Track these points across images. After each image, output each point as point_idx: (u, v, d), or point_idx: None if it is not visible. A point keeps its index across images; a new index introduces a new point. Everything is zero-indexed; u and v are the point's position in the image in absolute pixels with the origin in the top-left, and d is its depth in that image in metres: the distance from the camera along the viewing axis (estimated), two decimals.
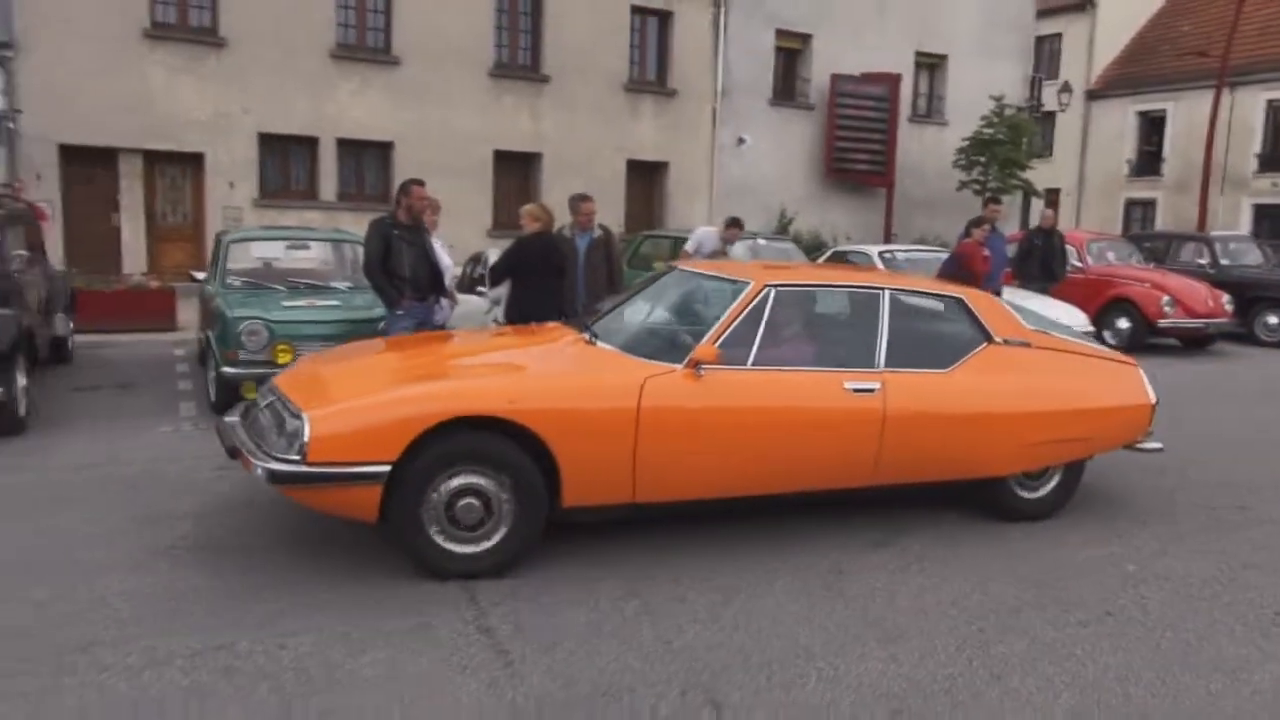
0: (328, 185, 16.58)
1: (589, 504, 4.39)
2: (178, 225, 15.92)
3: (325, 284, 8.38)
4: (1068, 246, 12.70)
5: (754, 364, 4.64)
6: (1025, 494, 5.37)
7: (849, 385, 4.75)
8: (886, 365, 4.87)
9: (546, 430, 4.15)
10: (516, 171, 18.22)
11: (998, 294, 9.38)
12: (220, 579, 4.15)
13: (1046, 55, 31.08)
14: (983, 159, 21.53)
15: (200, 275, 8.91)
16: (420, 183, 6.98)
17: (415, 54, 16.74)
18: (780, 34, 20.54)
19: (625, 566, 4.49)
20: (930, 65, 22.84)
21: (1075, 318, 10.80)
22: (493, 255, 8.20)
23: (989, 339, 5.13)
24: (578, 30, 18.12)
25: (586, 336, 4.97)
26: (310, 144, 16.39)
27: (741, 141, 20.24)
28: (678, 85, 19.46)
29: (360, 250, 7.67)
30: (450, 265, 7.40)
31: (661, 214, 19.79)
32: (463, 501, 4.14)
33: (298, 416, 4.04)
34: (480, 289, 7.75)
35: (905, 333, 5.03)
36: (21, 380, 6.66)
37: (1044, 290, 11.62)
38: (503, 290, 7.24)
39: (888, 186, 21.40)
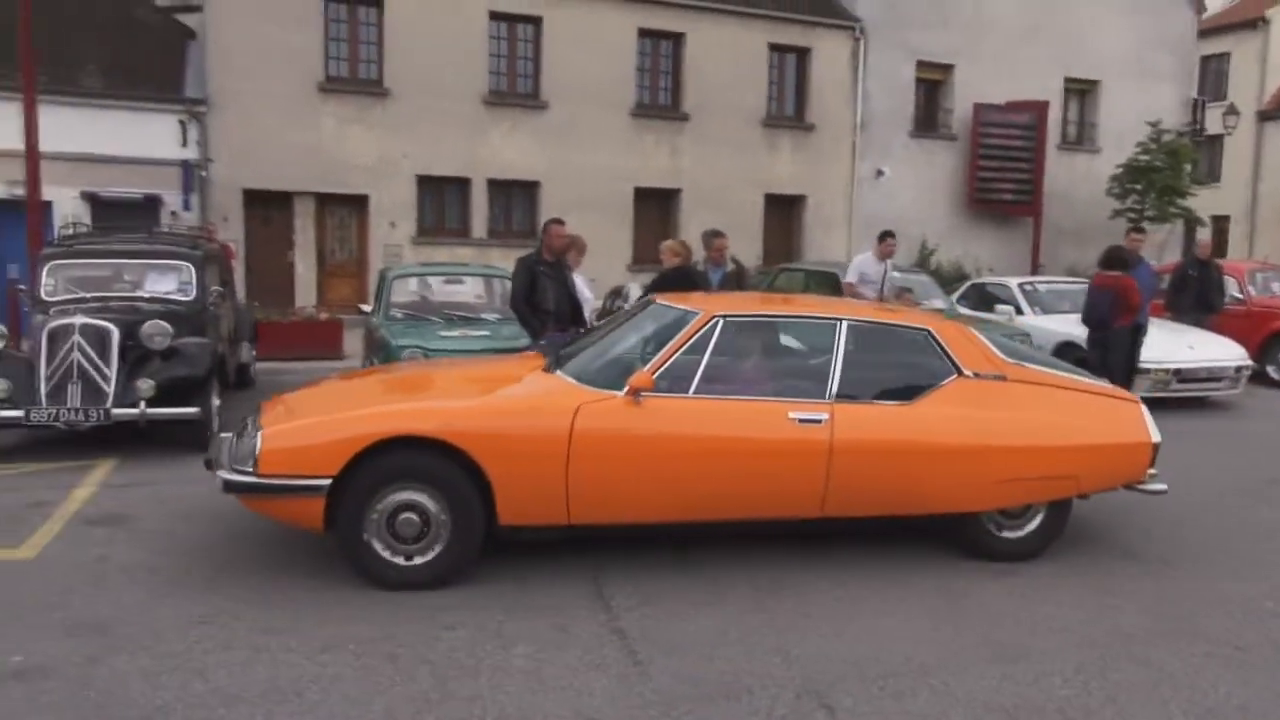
0: (479, 223, 17.55)
1: (525, 523, 4.59)
2: (344, 262, 17.19)
3: (477, 315, 9.01)
4: (1227, 277, 12.16)
5: (696, 392, 4.69)
6: (1003, 533, 5.15)
7: (794, 415, 4.70)
8: (839, 397, 4.80)
9: (479, 451, 4.37)
10: (656, 207, 18.78)
11: (1141, 326, 9.15)
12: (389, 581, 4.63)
13: (1212, 76, 29.63)
14: (1139, 186, 20.73)
15: (365, 308, 9.72)
16: (560, 222, 7.50)
17: (561, 98, 17.58)
18: (921, 65, 20.46)
19: (754, 578, 4.75)
20: (1081, 91, 22.21)
21: (1231, 351, 10.37)
22: (634, 289, 8.63)
23: (958, 372, 5.00)
24: (717, 70, 18.60)
25: (549, 365, 5.17)
26: (463, 185, 17.42)
27: (880, 174, 20.21)
28: (815, 119, 19.64)
29: (508, 284, 8.24)
30: (590, 298, 7.86)
31: (799, 246, 19.94)
32: (403, 516, 4.41)
33: (256, 433, 4.47)
34: None
35: (864, 364, 5.01)
36: (215, 401, 7.47)
37: (1199, 323, 11.17)
38: None
39: (1034, 216, 20.88)
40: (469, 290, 9.86)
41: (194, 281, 8.23)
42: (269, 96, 15.79)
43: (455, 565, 4.49)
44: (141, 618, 4.11)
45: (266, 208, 16.41)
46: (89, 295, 7.92)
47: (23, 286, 8.39)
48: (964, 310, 11.32)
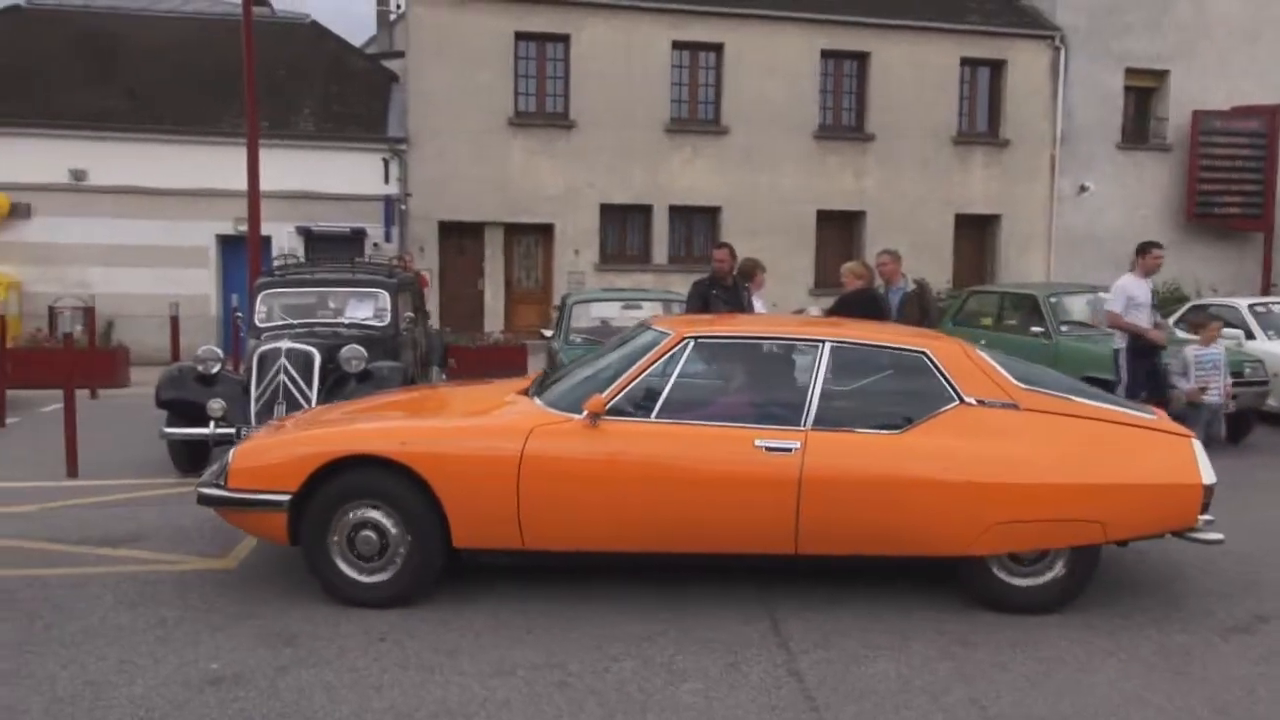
0: (660, 249, 17.69)
1: (479, 546, 4.48)
2: (530, 289, 17.74)
3: None
4: None
5: (659, 416, 4.46)
6: (1014, 580, 4.55)
7: (760, 443, 4.36)
8: (815, 424, 4.42)
9: (431, 472, 4.33)
10: (840, 230, 18.35)
11: None
12: (556, 603, 4.60)
13: None
14: None
15: (548, 333, 9.93)
16: (721, 246, 7.45)
17: (743, 122, 17.52)
18: (1131, 73, 19.09)
19: (941, 622, 4.42)
20: None
21: None
22: (814, 311, 8.38)
23: (958, 398, 4.50)
24: (903, 87, 18.02)
25: (529, 389, 5.03)
26: (645, 211, 17.63)
27: (1084, 189, 18.94)
28: (1011, 134, 18.67)
29: (683, 309, 8.17)
30: None
31: (993, 268, 18.95)
32: (362, 534, 4.42)
33: (232, 449, 4.63)
34: None
35: (850, 389, 4.66)
36: None
37: None
38: None
39: (1265, 230, 18.97)
40: (647, 315, 9.85)
41: (389, 308, 8.64)
42: (462, 133, 16.57)
43: (413, 585, 4.48)
44: (328, 631, 4.24)
45: (460, 238, 17.19)
46: (296, 321, 8.46)
47: (240, 314, 9.07)
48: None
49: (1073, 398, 4.69)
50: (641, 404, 4.51)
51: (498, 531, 4.43)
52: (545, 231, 17.42)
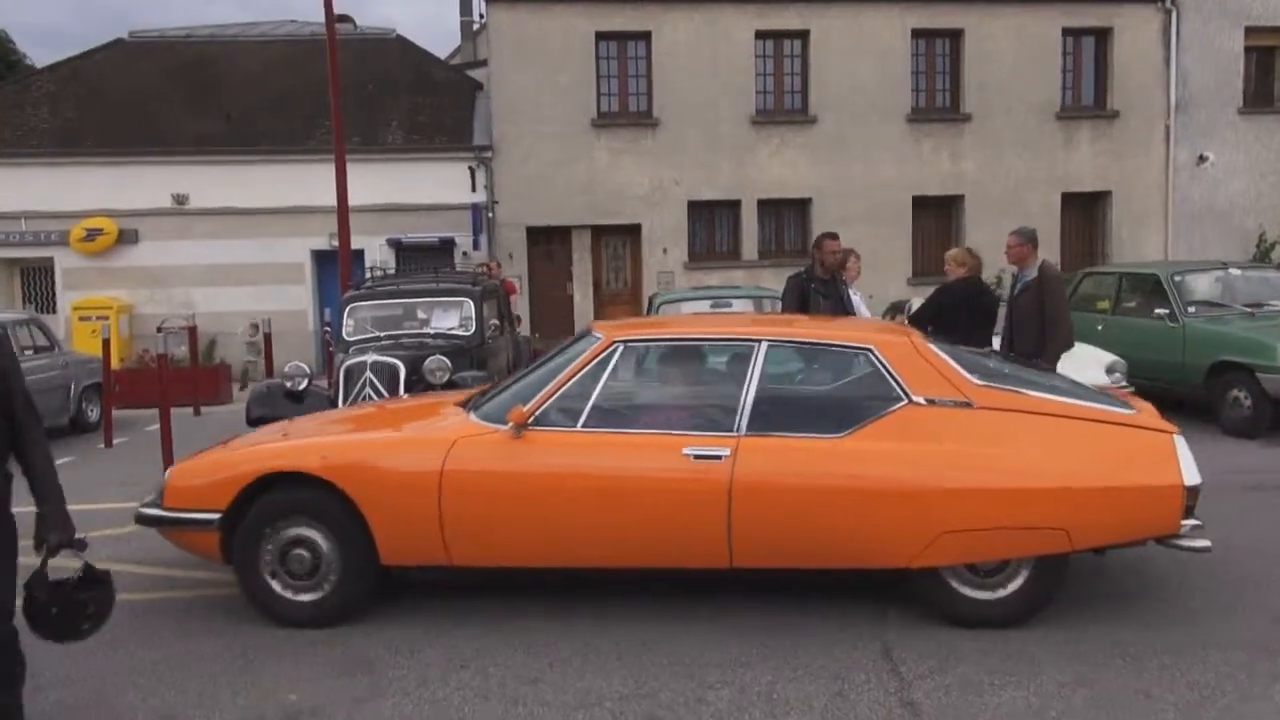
0: (749, 244, 17.28)
1: (405, 562, 4.37)
2: (618, 290, 17.54)
3: None
4: None
5: (585, 426, 4.26)
6: (971, 592, 4.16)
7: (689, 451, 4.10)
8: (749, 429, 4.15)
9: (353, 488, 4.23)
10: (936, 216, 17.61)
11: None
12: (645, 623, 4.33)
13: None
14: None
15: None
16: (833, 236, 6.94)
17: (831, 110, 16.97)
18: (1251, 32, 17.77)
19: (1077, 644, 3.99)
20: None
21: None
22: (915, 303, 7.90)
23: (906, 398, 4.14)
24: (1001, 63, 17.19)
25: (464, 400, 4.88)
26: (733, 207, 17.24)
27: (1203, 160, 17.72)
28: (1120, 106, 17.60)
29: (779, 305, 7.81)
30: (867, 315, 7.24)
31: (1104, 249, 17.90)
32: (294, 552, 4.33)
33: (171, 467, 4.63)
34: None
35: (788, 391, 4.42)
36: None
37: None
38: None
39: None
40: (738, 313, 9.53)
41: (474, 317, 8.53)
42: (546, 137, 16.48)
43: (346, 604, 4.38)
44: (409, 659, 4.06)
45: (548, 242, 17.12)
46: (383, 334, 8.43)
47: (328, 328, 9.08)
48: None
49: (1037, 393, 4.29)
50: (568, 413, 4.32)
51: (423, 547, 4.31)
52: (633, 232, 17.21)
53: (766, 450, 4.13)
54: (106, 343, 10.02)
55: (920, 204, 17.40)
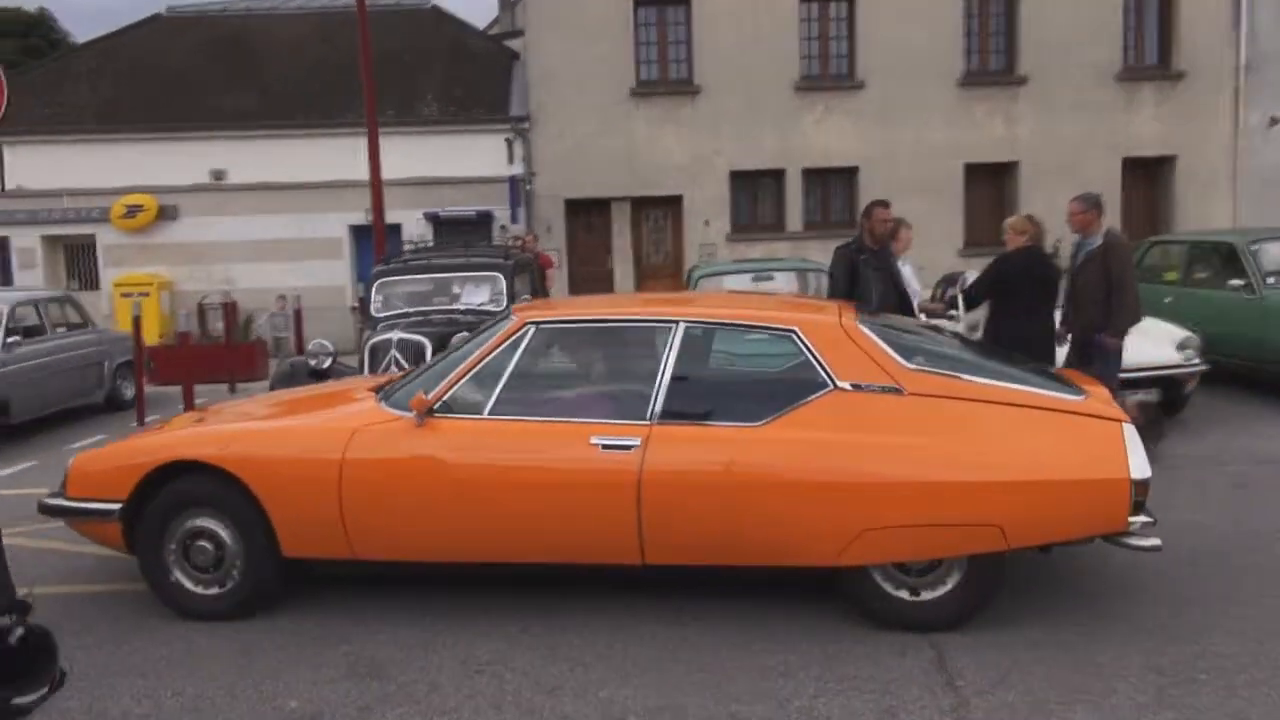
0: (794, 215, 16.76)
1: (307, 555, 4.16)
2: (660, 264, 17.15)
3: None
4: None
5: (492, 413, 4.04)
6: (901, 593, 3.86)
7: (597, 440, 3.86)
8: (662, 417, 3.90)
9: (252, 477, 4.07)
10: (990, 184, 16.91)
11: None
12: (673, 625, 4.01)
13: None
14: None
15: None
16: (884, 204, 6.50)
17: (878, 74, 16.33)
18: None
19: (1154, 658, 3.57)
20: None
21: None
22: (971, 275, 7.41)
23: (830, 383, 3.85)
24: (1058, 22, 16.38)
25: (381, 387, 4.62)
26: (777, 177, 16.72)
27: (1275, 122, 16.79)
28: (1185, 66, 16.71)
29: (824, 279, 7.40)
30: (919, 290, 6.80)
31: (1169, 216, 17.08)
32: (197, 544, 4.18)
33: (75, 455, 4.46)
34: (952, 313, 7.01)
35: (707, 376, 4.23)
36: None
37: None
38: (980, 314, 6.47)
39: None
40: (782, 287, 9.12)
41: (505, 292, 8.23)
42: (585, 108, 16.07)
43: (252, 598, 4.22)
44: (421, 661, 3.78)
45: (588, 215, 16.76)
46: (411, 310, 8.16)
47: (354, 305, 8.85)
48: None
49: (974, 378, 3.92)
50: (476, 399, 4.09)
51: (325, 540, 4.11)
52: (674, 204, 16.77)
53: (679, 439, 3.87)
54: (137, 320, 9.89)
55: (973, 172, 16.71)
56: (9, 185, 16.39)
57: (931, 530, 3.68)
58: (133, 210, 16.30)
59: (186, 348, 10.47)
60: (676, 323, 4.13)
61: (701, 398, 4.08)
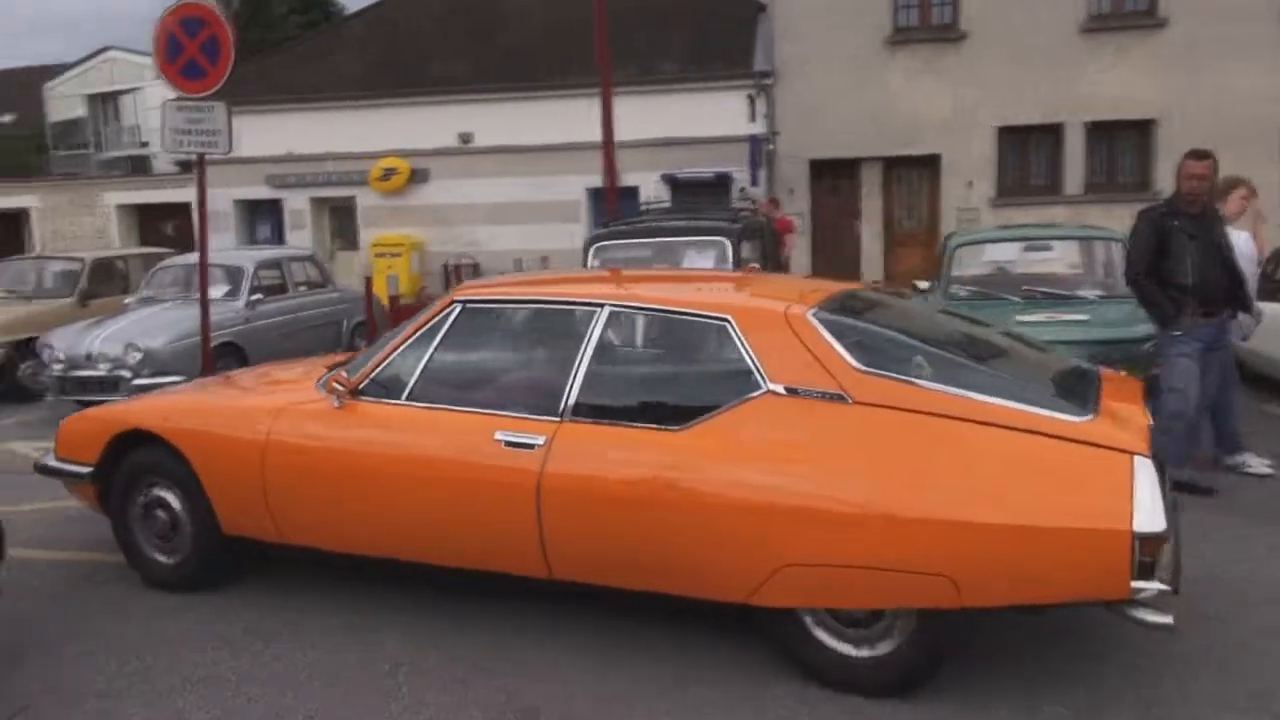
0: (1073, 176, 14.77)
1: (242, 534, 4.06)
2: (913, 230, 15.73)
3: (1070, 293, 6.90)
4: None
5: (409, 398, 3.73)
6: (839, 646, 3.15)
7: (500, 436, 3.46)
8: (574, 414, 3.43)
9: (190, 451, 4.06)
10: None
11: None
12: (686, 649, 3.11)
13: None
14: None
15: (923, 284, 8.11)
16: (1200, 155, 5.08)
17: (1184, 10, 13.94)
18: None
19: (1267, 700, 2.88)
20: None
21: None
22: None
23: (762, 385, 3.18)
24: None
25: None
26: (1053, 132, 14.78)
27: None
28: None
29: (1117, 249, 6.06)
30: (1255, 267, 5.33)
31: None
32: (154, 512, 4.20)
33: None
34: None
35: (628, 370, 3.83)
36: None
37: None
38: None
39: None
40: (1059, 258, 7.76)
41: (730, 258, 7.43)
42: (834, 60, 14.87)
43: (200, 571, 4.18)
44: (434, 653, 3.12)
45: (834, 177, 15.61)
46: None
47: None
48: None
49: (941, 388, 3.09)
50: (397, 383, 3.81)
51: (253, 520, 3.99)
52: (930, 164, 15.24)
53: (586, 440, 3.39)
54: (368, 280, 10.00)
55: None
56: (279, 151, 17.49)
57: (864, 574, 2.97)
58: (388, 173, 16.96)
59: (421, 306, 10.52)
60: (602, 306, 3.64)
61: (621, 394, 3.60)
